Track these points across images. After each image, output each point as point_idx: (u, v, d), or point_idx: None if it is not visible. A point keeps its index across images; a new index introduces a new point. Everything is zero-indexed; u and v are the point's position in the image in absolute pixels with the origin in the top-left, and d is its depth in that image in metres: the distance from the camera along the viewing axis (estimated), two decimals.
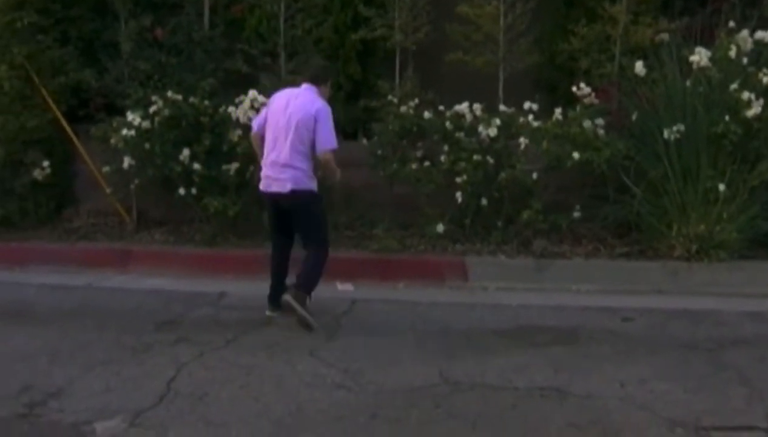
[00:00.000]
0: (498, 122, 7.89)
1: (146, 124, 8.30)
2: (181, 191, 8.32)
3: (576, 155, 7.55)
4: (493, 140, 7.90)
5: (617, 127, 7.89)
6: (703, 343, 5.68)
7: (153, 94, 8.42)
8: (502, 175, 7.79)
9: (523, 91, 8.31)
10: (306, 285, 6.24)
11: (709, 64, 7.46)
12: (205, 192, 8.28)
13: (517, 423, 4.40)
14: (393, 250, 7.90)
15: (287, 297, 6.15)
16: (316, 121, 6.16)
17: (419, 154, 8.22)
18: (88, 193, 9.24)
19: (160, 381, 5.00)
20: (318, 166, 6.33)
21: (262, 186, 6.43)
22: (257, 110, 7.96)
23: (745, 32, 7.54)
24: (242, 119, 8.04)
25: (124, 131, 8.30)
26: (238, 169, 8.17)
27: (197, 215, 8.55)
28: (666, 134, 7.45)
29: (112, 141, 8.40)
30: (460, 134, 8.01)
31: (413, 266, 7.75)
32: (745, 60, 7.50)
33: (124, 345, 5.74)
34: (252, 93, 8.08)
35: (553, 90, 8.84)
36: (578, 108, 7.80)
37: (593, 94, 7.83)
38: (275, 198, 6.35)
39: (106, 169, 8.69)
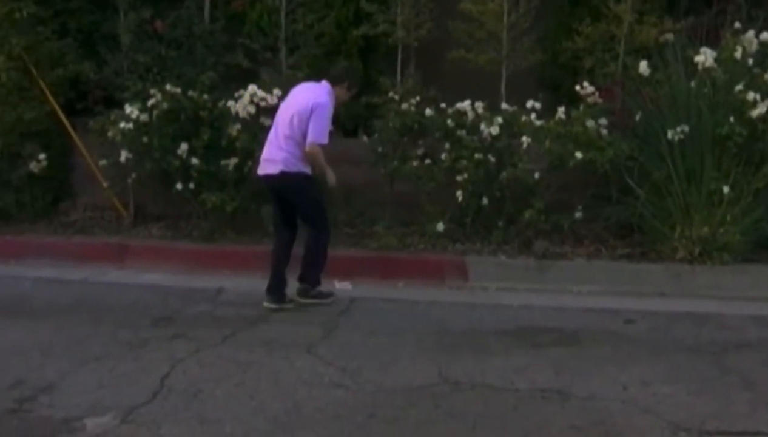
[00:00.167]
0: (500, 120, 7.83)
1: (144, 117, 8.24)
2: (179, 185, 8.26)
3: (579, 154, 7.49)
4: (495, 138, 7.84)
5: (621, 127, 7.82)
6: (707, 346, 5.62)
7: (152, 88, 8.35)
8: (504, 174, 7.73)
9: (526, 89, 8.23)
10: (312, 276, 6.68)
11: (714, 65, 7.40)
12: (203, 187, 8.23)
13: (518, 424, 4.33)
14: (393, 248, 7.85)
15: (295, 296, 6.62)
16: (312, 112, 6.42)
17: (420, 152, 8.17)
18: (85, 186, 9.19)
19: (155, 377, 4.93)
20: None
21: (258, 170, 6.75)
22: (257, 105, 7.97)
23: (750, 33, 7.47)
24: (242, 114, 7.99)
25: (122, 124, 8.25)
26: (236, 164, 8.10)
27: (195, 210, 8.50)
28: (670, 134, 7.39)
29: (110, 134, 8.35)
30: (462, 132, 7.96)
31: (413, 265, 7.69)
32: (750, 61, 7.43)
33: (119, 340, 5.68)
34: (252, 88, 8.02)
35: (557, 89, 8.79)
36: (581, 107, 7.74)
37: (597, 94, 7.77)
38: (270, 182, 6.65)
39: (103, 162, 8.65)
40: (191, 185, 8.27)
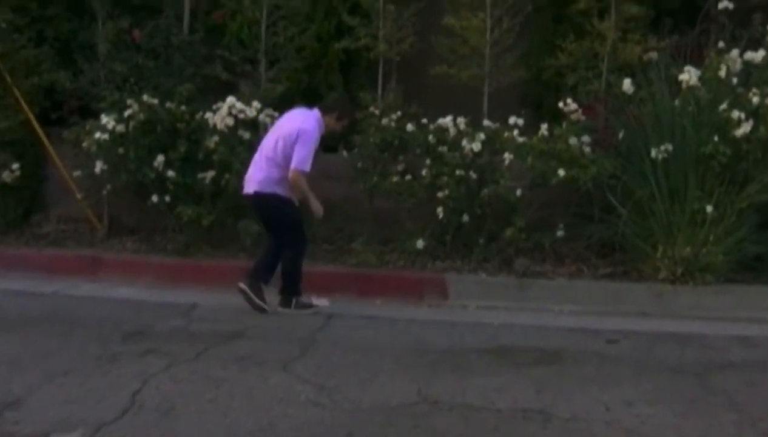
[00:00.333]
0: (482, 136, 7.79)
1: (120, 128, 8.13)
2: (155, 198, 8.14)
3: (561, 172, 7.43)
4: (476, 154, 7.79)
5: (604, 145, 7.78)
6: (691, 367, 5.52)
7: (129, 98, 8.23)
8: (485, 191, 7.67)
9: (509, 106, 8.20)
10: (293, 289, 6.76)
11: (699, 84, 7.38)
12: (179, 200, 8.12)
13: None
14: (371, 265, 7.77)
15: (278, 308, 6.73)
16: (297, 137, 6.50)
17: (400, 167, 8.11)
18: (58, 198, 9.07)
19: (125, 393, 4.77)
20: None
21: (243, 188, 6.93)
22: (235, 117, 7.89)
23: (734, 52, 7.46)
24: (219, 126, 7.91)
25: (98, 135, 8.14)
26: (213, 177, 8.00)
27: (170, 223, 8.39)
28: (653, 153, 7.34)
29: (85, 145, 8.26)
30: (443, 148, 7.89)
31: (392, 282, 7.59)
32: (734, 80, 7.42)
33: (89, 354, 5.52)
34: (230, 100, 7.94)
35: (539, 106, 8.77)
36: (564, 124, 7.71)
37: (580, 111, 7.76)
38: (248, 200, 6.88)
39: (77, 173, 8.54)
40: (167, 198, 8.15)
